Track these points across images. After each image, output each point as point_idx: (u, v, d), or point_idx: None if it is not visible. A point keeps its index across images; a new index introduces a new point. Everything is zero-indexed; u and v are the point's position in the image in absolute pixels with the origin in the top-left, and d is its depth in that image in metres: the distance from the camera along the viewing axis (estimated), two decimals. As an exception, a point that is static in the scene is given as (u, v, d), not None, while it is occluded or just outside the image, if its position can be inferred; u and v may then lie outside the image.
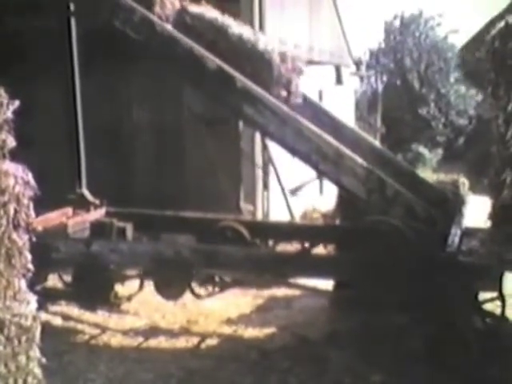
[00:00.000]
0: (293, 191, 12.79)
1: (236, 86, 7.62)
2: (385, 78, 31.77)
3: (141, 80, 11.95)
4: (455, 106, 29.59)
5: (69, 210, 8.90)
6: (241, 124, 11.02)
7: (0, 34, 10.58)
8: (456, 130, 29.49)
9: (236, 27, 8.30)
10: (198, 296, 8.22)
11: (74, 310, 8.84)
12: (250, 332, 8.30)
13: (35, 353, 4.73)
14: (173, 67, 8.55)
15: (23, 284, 4.79)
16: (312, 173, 9.01)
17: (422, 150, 27.32)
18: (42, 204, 5.23)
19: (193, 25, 8.26)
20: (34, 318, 4.72)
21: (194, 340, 8.05)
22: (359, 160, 7.33)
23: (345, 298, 7.86)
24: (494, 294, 6.98)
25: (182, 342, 8.00)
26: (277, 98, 7.88)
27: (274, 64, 8.13)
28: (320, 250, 8.81)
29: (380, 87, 29.61)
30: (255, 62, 8.09)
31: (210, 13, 8.40)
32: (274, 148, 10.15)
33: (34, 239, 4.96)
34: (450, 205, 7.82)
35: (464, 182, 10.48)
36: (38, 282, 7.37)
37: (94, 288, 8.02)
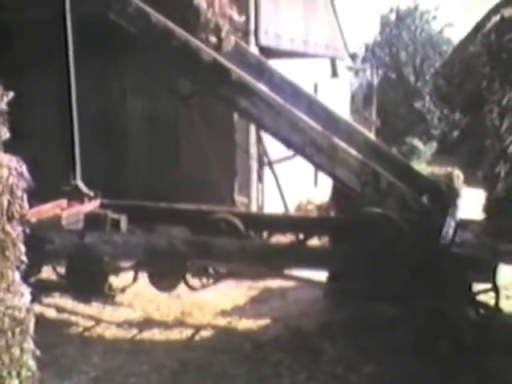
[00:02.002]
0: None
1: (231, 79, 7.60)
2: (380, 72, 31.79)
3: (135, 70, 11.92)
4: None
5: (63, 202, 8.87)
6: (235, 116, 11.01)
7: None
8: (451, 124, 29.51)
9: None
10: (192, 288, 8.23)
11: (67, 302, 8.83)
12: (244, 323, 8.31)
13: (29, 345, 4.73)
14: (168, 59, 8.53)
15: (17, 276, 4.78)
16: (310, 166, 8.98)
17: (417, 143, 27.31)
18: (36, 195, 5.22)
19: None
20: (28, 310, 4.73)
21: (188, 332, 8.07)
22: (354, 152, 7.34)
23: (338, 289, 7.88)
24: (488, 286, 7.01)
25: (176, 334, 8.01)
26: (205, 43, 7.88)
27: (201, 9, 8.13)
28: (314, 241, 8.84)
29: (375, 81, 29.62)
30: (183, 8, 8.08)
31: None
32: (269, 140, 10.15)
33: (27, 231, 4.95)
34: (444, 197, 7.84)
35: (458, 174, 10.53)
36: (31, 273, 7.36)
37: (87, 280, 8.01)
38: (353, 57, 24.45)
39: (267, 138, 9.60)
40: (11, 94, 4.75)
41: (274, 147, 9.42)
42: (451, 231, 6.98)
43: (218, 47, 8.18)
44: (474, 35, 7.19)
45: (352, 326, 7.63)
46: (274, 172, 11.91)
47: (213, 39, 8.20)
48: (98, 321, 8.40)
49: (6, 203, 4.61)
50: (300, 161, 7.94)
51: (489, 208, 6.73)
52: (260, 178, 12.18)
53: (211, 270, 8.15)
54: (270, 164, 11.92)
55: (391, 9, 32.37)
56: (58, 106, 9.56)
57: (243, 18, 8.91)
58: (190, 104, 9.87)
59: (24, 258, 4.81)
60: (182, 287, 8.18)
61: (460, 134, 28.56)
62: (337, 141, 7.43)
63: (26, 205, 4.80)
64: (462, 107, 23.30)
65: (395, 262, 6.71)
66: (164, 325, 8.27)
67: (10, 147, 4.79)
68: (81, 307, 8.71)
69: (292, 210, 12.96)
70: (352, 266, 7.07)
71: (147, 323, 8.32)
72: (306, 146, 7.39)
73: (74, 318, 8.51)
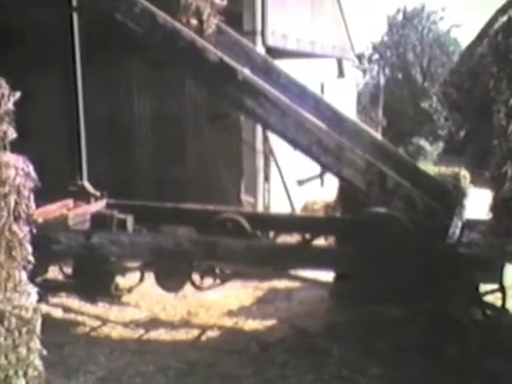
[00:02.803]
0: (300, 182, 12.73)
1: (237, 79, 7.59)
2: (387, 72, 31.80)
3: (142, 71, 11.93)
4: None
5: (69, 202, 8.90)
6: (242, 116, 11.01)
7: (1, 23, 10.54)
8: (457, 124, 29.48)
9: None
10: (198, 288, 8.23)
11: (74, 302, 8.84)
12: (251, 324, 8.30)
13: (36, 344, 4.73)
14: (174, 59, 8.52)
15: (24, 276, 4.79)
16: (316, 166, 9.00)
17: (424, 143, 27.31)
18: (43, 195, 5.23)
19: None
20: (35, 310, 4.73)
21: (195, 332, 8.06)
22: (360, 152, 7.32)
23: (345, 290, 7.86)
24: (495, 286, 6.99)
25: (182, 334, 8.01)
26: (186, 26, 7.85)
27: None
28: (321, 241, 8.82)
29: (382, 81, 29.61)
30: None
31: None
32: (275, 140, 10.14)
33: (34, 231, 4.96)
34: (450, 197, 7.82)
35: (465, 174, 10.51)
36: (38, 273, 7.39)
37: (94, 280, 8.03)
38: (359, 57, 24.48)
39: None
40: (18, 94, 4.75)
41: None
42: (458, 231, 6.96)
43: (199, 30, 8.11)
44: (480, 41, 7.18)
45: (358, 327, 7.61)
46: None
47: (194, 22, 8.14)
48: (105, 321, 8.41)
49: (12, 203, 4.62)
50: (306, 160, 7.93)
51: (496, 208, 6.71)
52: (266, 178, 12.18)
53: (217, 271, 8.15)
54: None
55: (398, 9, 32.41)
56: (64, 107, 9.59)
57: (225, 2, 8.79)
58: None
59: (31, 257, 4.82)
60: (188, 287, 8.18)
61: (467, 135, 28.55)
62: (343, 141, 7.41)
63: (32, 205, 4.80)
64: (474, 112, 23.45)
65: (401, 262, 6.69)
66: (170, 325, 8.27)
67: (16, 147, 4.80)
68: (87, 307, 8.71)
69: (298, 210, 12.96)
70: (358, 266, 7.05)
71: (153, 323, 8.32)
72: (313, 146, 7.36)
73: (80, 318, 8.52)
